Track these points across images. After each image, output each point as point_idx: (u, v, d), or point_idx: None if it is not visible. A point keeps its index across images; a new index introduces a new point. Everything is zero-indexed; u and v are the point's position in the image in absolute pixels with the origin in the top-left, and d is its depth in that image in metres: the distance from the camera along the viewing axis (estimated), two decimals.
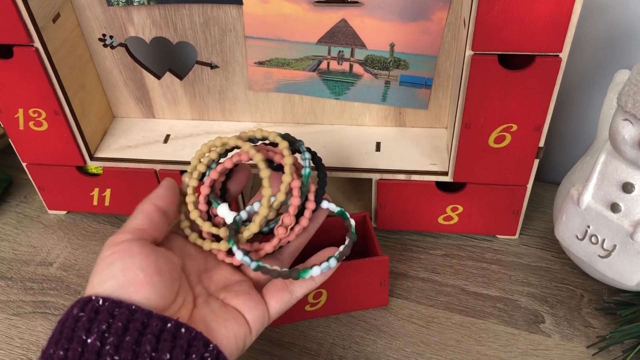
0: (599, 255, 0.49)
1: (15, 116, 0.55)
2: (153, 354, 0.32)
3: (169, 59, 0.57)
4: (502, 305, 0.53)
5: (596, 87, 0.59)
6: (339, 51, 0.54)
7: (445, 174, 0.54)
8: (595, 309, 0.52)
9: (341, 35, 0.53)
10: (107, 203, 0.61)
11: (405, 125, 0.59)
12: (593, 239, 0.49)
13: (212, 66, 0.57)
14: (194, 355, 0.33)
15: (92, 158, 0.58)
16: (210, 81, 0.58)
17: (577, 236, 0.50)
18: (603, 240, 0.48)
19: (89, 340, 0.32)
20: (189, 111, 0.61)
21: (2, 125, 0.69)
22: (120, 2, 0.53)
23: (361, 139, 0.58)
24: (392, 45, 0.53)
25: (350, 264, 0.49)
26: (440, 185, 0.55)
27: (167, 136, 0.60)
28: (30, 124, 0.55)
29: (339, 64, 0.55)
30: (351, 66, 0.55)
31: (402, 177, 0.54)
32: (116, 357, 0.31)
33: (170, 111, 0.61)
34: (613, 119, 0.45)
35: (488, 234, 0.59)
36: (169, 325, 0.33)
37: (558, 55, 0.44)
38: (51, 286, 0.57)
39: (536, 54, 0.44)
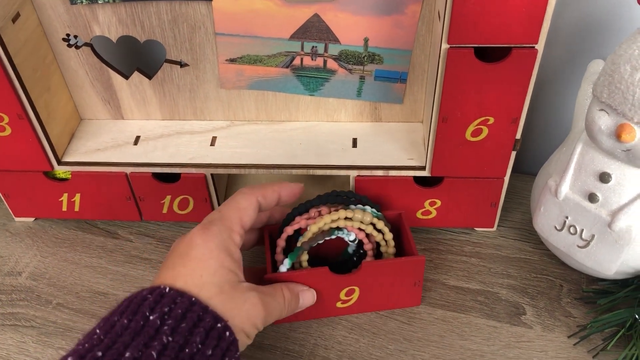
0: (577, 246, 0.49)
1: None
2: (200, 346, 0.36)
3: (137, 58, 0.55)
4: (483, 298, 0.53)
5: (570, 78, 0.60)
6: (313, 47, 0.53)
7: (423, 168, 0.54)
8: (574, 299, 0.53)
9: (314, 30, 0.52)
10: (77, 208, 0.59)
11: (381, 120, 0.59)
12: (571, 230, 0.49)
13: (182, 64, 0.55)
14: (226, 359, 0.37)
15: (59, 163, 0.56)
16: (180, 80, 0.56)
17: (555, 227, 0.50)
18: (581, 231, 0.48)
19: (151, 317, 0.36)
20: (159, 111, 0.59)
21: None
22: (83, 0, 0.51)
23: (337, 135, 0.57)
24: (366, 40, 0.52)
25: (385, 262, 0.49)
26: (418, 180, 0.55)
27: (137, 137, 0.58)
28: None
29: (312, 59, 0.54)
30: (325, 62, 0.54)
31: (379, 173, 0.54)
32: (170, 338, 0.35)
33: (139, 112, 0.60)
34: (589, 109, 0.45)
35: (466, 227, 0.59)
36: (219, 325, 0.37)
37: (534, 47, 0.44)
38: (21, 297, 0.55)
39: (512, 46, 0.44)
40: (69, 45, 0.54)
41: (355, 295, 0.50)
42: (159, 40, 0.53)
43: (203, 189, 0.56)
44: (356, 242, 0.50)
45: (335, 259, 0.53)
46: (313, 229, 0.48)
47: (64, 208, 0.59)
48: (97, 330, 0.36)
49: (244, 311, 0.40)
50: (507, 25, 0.42)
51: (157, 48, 0.54)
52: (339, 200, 0.51)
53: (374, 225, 0.50)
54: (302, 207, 0.51)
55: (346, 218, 0.49)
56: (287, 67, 0.55)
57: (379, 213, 0.50)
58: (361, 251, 0.51)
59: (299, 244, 0.49)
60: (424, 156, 0.54)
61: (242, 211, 0.44)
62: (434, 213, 0.57)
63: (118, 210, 0.59)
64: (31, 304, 0.54)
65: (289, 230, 0.49)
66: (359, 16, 0.51)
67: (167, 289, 0.38)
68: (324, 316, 0.52)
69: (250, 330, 0.41)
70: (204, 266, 0.40)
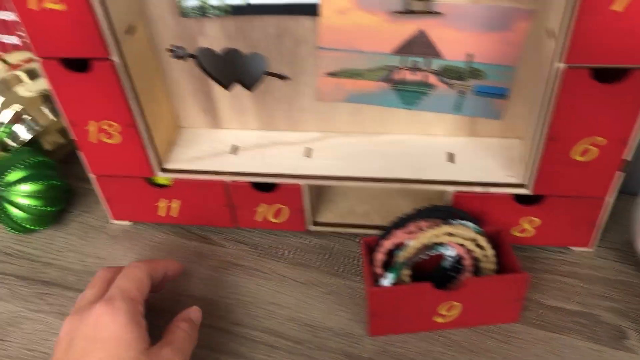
0: None
1: (86, 128, 0.55)
2: None
3: (239, 70, 0.56)
4: (583, 320, 0.52)
5: None
6: (414, 61, 0.53)
7: (523, 186, 0.53)
8: None
9: (417, 45, 0.52)
10: (174, 214, 0.61)
11: (477, 135, 0.58)
12: None
13: (283, 77, 0.56)
14: None
15: (162, 170, 0.57)
16: (279, 92, 0.57)
17: None
18: None
19: None
20: (255, 121, 0.61)
21: (63, 136, 0.69)
22: (194, 14, 0.52)
23: (433, 149, 0.57)
24: (470, 56, 0.52)
25: (490, 279, 0.49)
26: (516, 197, 0.54)
27: (235, 147, 0.60)
28: (102, 136, 0.55)
29: (413, 74, 0.54)
30: (425, 76, 0.54)
31: (478, 189, 0.53)
32: None
33: (236, 121, 0.61)
34: None
35: (561, 246, 0.58)
36: None
37: None
38: None
39: (631, 67, 0.43)
40: (174, 56, 0.56)
41: (456, 311, 0.50)
42: (263, 53, 0.55)
43: (298, 200, 0.57)
44: (455, 257, 0.50)
45: (430, 272, 0.53)
46: (416, 244, 0.48)
47: (161, 213, 0.61)
48: None
49: None
50: (628, 45, 0.42)
51: (259, 61, 0.55)
52: (437, 215, 0.51)
53: (474, 240, 0.49)
54: (400, 221, 0.51)
55: (448, 233, 0.49)
56: (386, 81, 0.55)
57: (480, 229, 0.50)
58: (458, 266, 0.51)
59: (400, 259, 0.49)
60: (523, 173, 0.53)
61: (139, 282, 0.47)
62: (532, 231, 0.56)
63: (214, 216, 0.60)
64: None
65: (389, 244, 0.50)
66: (465, 32, 0.50)
67: None
68: (421, 330, 0.52)
69: None
70: (118, 344, 0.41)
